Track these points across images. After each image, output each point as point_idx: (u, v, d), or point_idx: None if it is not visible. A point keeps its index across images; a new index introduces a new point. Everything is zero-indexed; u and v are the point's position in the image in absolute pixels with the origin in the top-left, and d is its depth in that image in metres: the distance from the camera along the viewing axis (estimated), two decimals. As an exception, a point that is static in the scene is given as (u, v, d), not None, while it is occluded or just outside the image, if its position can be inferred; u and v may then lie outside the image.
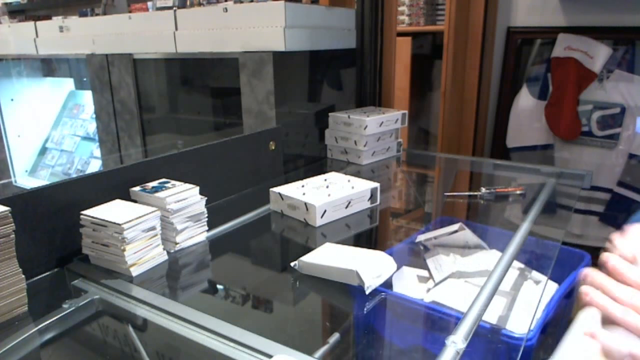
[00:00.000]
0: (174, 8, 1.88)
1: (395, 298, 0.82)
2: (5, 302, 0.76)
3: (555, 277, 0.99)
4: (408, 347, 0.77)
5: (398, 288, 0.87)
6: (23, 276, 0.78)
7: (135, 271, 0.88)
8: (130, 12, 2.19)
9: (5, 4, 3.84)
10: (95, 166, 2.65)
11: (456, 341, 0.58)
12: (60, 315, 0.77)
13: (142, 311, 0.79)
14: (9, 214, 0.75)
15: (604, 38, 1.81)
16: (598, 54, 1.80)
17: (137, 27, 1.89)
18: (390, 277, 0.85)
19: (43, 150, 2.90)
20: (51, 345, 0.75)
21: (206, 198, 1.03)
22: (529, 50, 2.01)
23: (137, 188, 1.01)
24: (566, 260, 1.09)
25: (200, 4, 1.97)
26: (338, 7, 1.77)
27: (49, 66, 2.75)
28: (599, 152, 1.85)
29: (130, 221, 0.86)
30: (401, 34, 2.45)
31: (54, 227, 0.91)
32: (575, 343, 0.47)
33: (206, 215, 1.04)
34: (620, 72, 1.80)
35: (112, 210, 0.90)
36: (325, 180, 1.26)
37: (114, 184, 1.00)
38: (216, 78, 1.84)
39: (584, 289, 0.51)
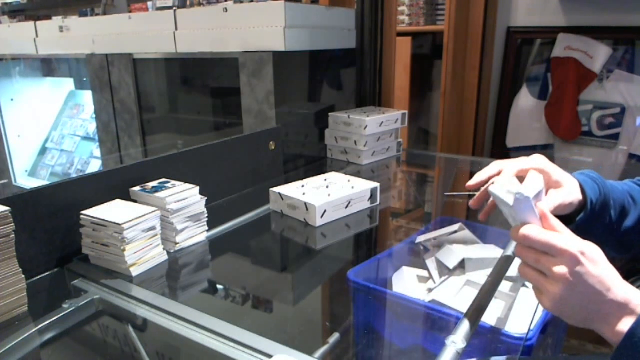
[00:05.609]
0: (174, 8, 1.88)
1: (395, 298, 0.82)
2: (5, 302, 0.76)
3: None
4: (408, 347, 0.77)
5: (398, 288, 0.87)
6: (23, 276, 0.78)
7: (135, 271, 0.88)
8: (130, 12, 2.19)
9: (6, 3, 3.84)
10: (95, 166, 2.65)
11: (456, 341, 0.58)
12: (60, 315, 0.77)
13: (142, 311, 0.79)
14: (9, 214, 0.75)
15: (604, 38, 1.81)
16: (598, 54, 1.80)
17: (137, 27, 1.89)
18: (391, 277, 0.85)
19: (43, 150, 2.90)
20: (51, 345, 0.75)
21: (206, 198, 1.03)
22: (529, 50, 2.01)
23: (137, 188, 1.01)
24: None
25: (200, 4, 1.97)
26: (338, 7, 1.77)
27: (49, 66, 2.75)
28: (599, 152, 1.85)
29: (130, 221, 0.86)
30: (401, 34, 2.44)
31: (54, 227, 0.91)
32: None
33: (206, 215, 1.04)
34: (620, 72, 1.80)
35: (112, 210, 0.90)
36: (325, 180, 1.26)
37: (114, 184, 1.00)
38: (216, 78, 1.84)
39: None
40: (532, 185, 0.63)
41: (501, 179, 0.70)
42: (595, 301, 0.54)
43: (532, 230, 0.57)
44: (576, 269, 0.54)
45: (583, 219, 0.74)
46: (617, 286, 0.54)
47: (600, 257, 0.55)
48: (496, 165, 0.78)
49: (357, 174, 1.44)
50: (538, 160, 0.74)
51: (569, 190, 0.72)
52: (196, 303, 0.83)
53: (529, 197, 0.59)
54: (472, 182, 0.79)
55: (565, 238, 0.56)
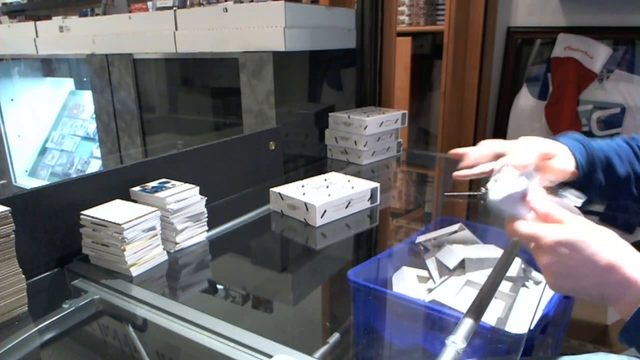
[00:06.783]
0: (174, 8, 1.88)
1: (395, 298, 0.82)
2: (5, 302, 0.76)
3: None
4: (408, 347, 0.77)
5: (398, 288, 0.87)
6: (23, 276, 0.78)
7: (135, 271, 0.88)
8: (130, 12, 2.19)
9: (5, 3, 3.84)
10: (95, 166, 2.65)
11: (456, 341, 0.58)
12: (60, 315, 0.77)
13: (142, 311, 0.79)
14: (9, 214, 0.75)
15: (604, 38, 1.81)
16: (598, 54, 1.80)
17: (137, 27, 1.89)
18: (391, 277, 0.85)
19: (43, 150, 2.90)
20: (51, 345, 0.75)
21: (206, 198, 1.03)
22: (529, 50, 2.01)
23: (137, 188, 1.01)
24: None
25: (200, 4, 1.97)
26: (338, 7, 1.77)
27: (49, 66, 2.75)
28: (599, 152, 1.85)
29: (130, 221, 0.86)
30: (401, 34, 2.44)
31: (54, 227, 0.91)
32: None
33: (206, 215, 1.04)
34: (620, 72, 1.80)
35: (112, 210, 0.90)
36: (325, 180, 1.26)
37: (114, 184, 1.00)
38: (216, 78, 1.84)
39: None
40: (503, 184, 0.63)
41: (501, 175, 0.69)
42: (592, 285, 0.54)
43: (517, 225, 0.60)
44: (554, 259, 0.55)
45: (579, 180, 0.78)
46: (615, 268, 0.52)
47: (587, 243, 0.53)
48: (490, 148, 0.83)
49: (357, 174, 1.44)
50: (527, 144, 0.80)
51: (563, 160, 0.79)
52: (196, 303, 0.83)
53: (496, 199, 0.61)
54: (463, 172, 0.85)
55: (545, 229, 0.56)
